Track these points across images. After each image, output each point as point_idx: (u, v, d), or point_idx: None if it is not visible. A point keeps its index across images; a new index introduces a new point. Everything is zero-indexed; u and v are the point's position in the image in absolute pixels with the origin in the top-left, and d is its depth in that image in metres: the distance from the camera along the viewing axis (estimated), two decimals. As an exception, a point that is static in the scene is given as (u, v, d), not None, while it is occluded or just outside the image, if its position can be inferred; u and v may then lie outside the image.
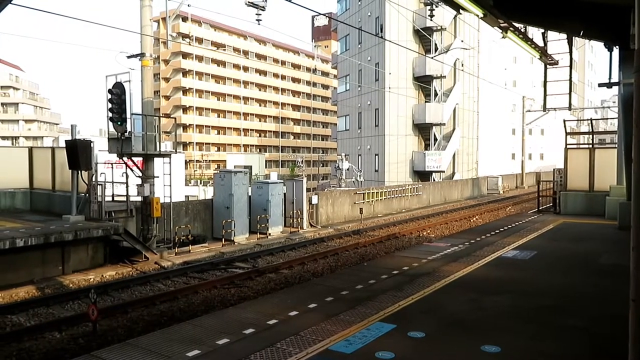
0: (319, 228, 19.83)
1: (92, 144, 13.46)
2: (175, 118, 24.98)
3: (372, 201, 24.66)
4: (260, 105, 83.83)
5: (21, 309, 9.28)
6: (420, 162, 38.11)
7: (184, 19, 68.41)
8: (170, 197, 15.34)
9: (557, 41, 16.08)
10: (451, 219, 22.82)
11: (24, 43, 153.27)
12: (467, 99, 41.47)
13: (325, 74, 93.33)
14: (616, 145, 16.94)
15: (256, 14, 12.80)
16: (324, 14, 27.71)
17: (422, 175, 38.56)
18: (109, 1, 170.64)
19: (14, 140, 77.03)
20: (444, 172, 38.93)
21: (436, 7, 18.25)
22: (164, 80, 72.49)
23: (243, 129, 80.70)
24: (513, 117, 52.18)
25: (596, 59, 76.68)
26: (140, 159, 15.18)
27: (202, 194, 35.52)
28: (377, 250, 15.43)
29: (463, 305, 6.82)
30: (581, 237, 12.66)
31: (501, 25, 10.63)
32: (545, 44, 14.75)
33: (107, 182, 14.11)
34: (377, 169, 39.23)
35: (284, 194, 19.11)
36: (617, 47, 10.96)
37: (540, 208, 21.07)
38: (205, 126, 75.42)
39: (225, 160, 54.88)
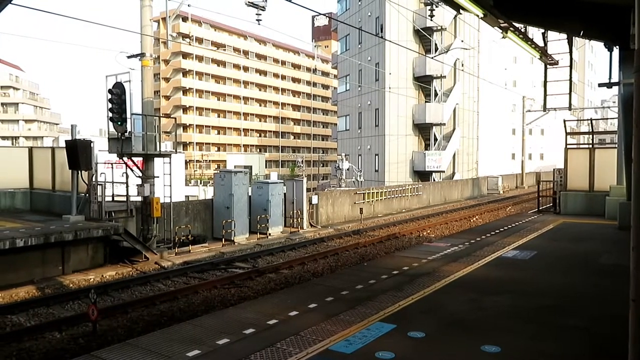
0: (319, 228, 19.83)
1: (92, 144, 13.46)
2: (175, 118, 24.99)
3: (372, 201, 24.66)
4: (260, 105, 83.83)
5: (21, 309, 9.28)
6: (421, 162, 38.12)
7: (184, 19, 68.41)
8: (171, 197, 15.34)
9: (557, 41, 16.08)
10: (451, 219, 22.81)
11: (24, 43, 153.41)
12: (467, 99, 41.47)
13: (325, 74, 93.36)
14: (616, 145, 16.94)
15: (256, 14, 12.81)
16: (324, 14, 27.70)
17: (422, 175, 38.56)
18: (109, 1, 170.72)
19: (14, 140, 77.04)
20: (444, 172, 38.93)
21: (436, 7, 18.24)
22: (164, 80, 72.50)
23: (243, 129, 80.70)
24: (513, 117, 52.18)
25: (596, 59, 76.68)
26: (140, 159, 15.18)
27: (202, 194, 35.53)
28: (377, 250, 15.43)
29: (463, 305, 6.82)
30: (581, 237, 12.66)
31: (501, 25, 10.64)
32: (546, 44, 14.75)
33: (107, 182, 14.10)
34: (377, 169, 39.23)
35: (284, 194, 19.11)
36: (617, 47, 10.97)
37: (540, 208, 21.07)
38: (206, 126, 75.42)
39: (225, 160, 54.89)
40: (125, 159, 14.44)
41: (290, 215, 19.25)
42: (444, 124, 38.87)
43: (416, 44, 38.84)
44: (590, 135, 18.56)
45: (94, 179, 13.49)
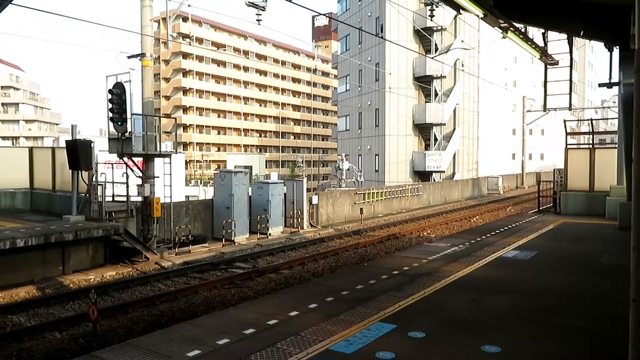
0: (319, 228, 19.83)
1: (92, 144, 13.46)
2: (175, 118, 25.01)
3: (373, 201, 24.65)
4: (260, 106, 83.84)
5: (21, 309, 9.28)
6: (421, 162, 38.12)
7: (184, 19, 68.42)
8: (171, 197, 15.34)
9: (557, 41, 16.08)
10: (451, 219, 22.81)
11: (24, 43, 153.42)
12: (467, 99, 41.47)
13: (325, 74, 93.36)
14: (616, 146, 16.94)
15: (256, 14, 12.81)
16: (324, 14, 27.70)
17: (422, 175, 38.56)
18: (109, 1, 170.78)
19: (15, 140, 77.04)
20: (444, 172, 38.93)
21: (436, 7, 18.22)
22: (164, 81, 72.52)
23: (243, 129, 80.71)
24: (513, 117, 52.16)
25: (596, 59, 76.66)
26: (141, 159, 15.18)
27: (203, 194, 35.55)
28: (378, 251, 15.43)
29: (463, 305, 6.82)
30: (581, 237, 12.66)
31: (501, 25, 10.64)
32: (546, 44, 14.75)
33: (108, 182, 14.10)
34: (377, 169, 39.23)
35: (284, 194, 19.11)
36: (618, 47, 10.97)
37: (541, 208, 21.08)
38: (206, 126, 75.44)
39: (225, 161, 54.90)
40: (125, 159, 14.44)
41: (290, 216, 19.25)
42: (444, 124, 38.87)
43: (416, 44, 38.85)
44: (591, 136, 18.57)
45: (94, 179, 13.49)
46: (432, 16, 18.44)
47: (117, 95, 13.71)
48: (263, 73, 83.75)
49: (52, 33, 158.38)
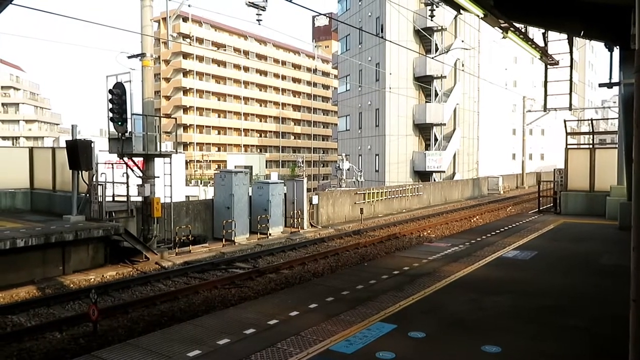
0: (319, 228, 19.83)
1: (92, 144, 13.46)
2: (175, 118, 25.05)
3: (373, 201, 24.65)
4: (260, 106, 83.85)
5: (22, 309, 9.28)
6: (421, 162, 38.11)
7: (185, 19, 68.42)
8: (171, 197, 15.34)
9: (557, 41, 16.07)
10: (452, 219, 22.81)
11: (24, 43, 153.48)
12: (467, 99, 41.46)
13: (325, 74, 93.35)
14: (617, 146, 16.94)
15: (257, 14, 12.80)
16: (324, 14, 27.73)
17: (422, 175, 38.55)
18: (109, 1, 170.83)
19: (15, 140, 77.07)
20: (444, 172, 38.93)
21: (437, 7, 18.21)
22: (164, 81, 72.53)
23: (243, 129, 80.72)
24: (513, 117, 52.14)
25: (597, 59, 76.64)
26: (141, 159, 15.18)
27: (203, 194, 35.53)
28: (378, 251, 15.43)
29: (464, 305, 6.82)
30: (582, 238, 12.66)
31: (502, 25, 10.63)
32: (546, 44, 14.75)
33: (108, 182, 14.10)
34: (377, 169, 39.23)
35: (285, 194, 19.12)
36: (618, 47, 10.97)
37: (541, 208, 21.08)
38: (206, 126, 75.45)
39: (225, 161, 54.90)
40: (125, 159, 14.44)
41: (290, 216, 19.25)
42: (445, 124, 38.87)
43: (416, 44, 38.84)
44: (591, 136, 18.57)
45: (94, 179, 13.49)
46: (432, 16, 18.42)
47: (118, 95, 13.71)
48: (263, 73, 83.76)
49: (52, 33, 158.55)
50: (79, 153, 12.97)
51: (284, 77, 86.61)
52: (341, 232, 19.16)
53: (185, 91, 72.63)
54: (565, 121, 20.06)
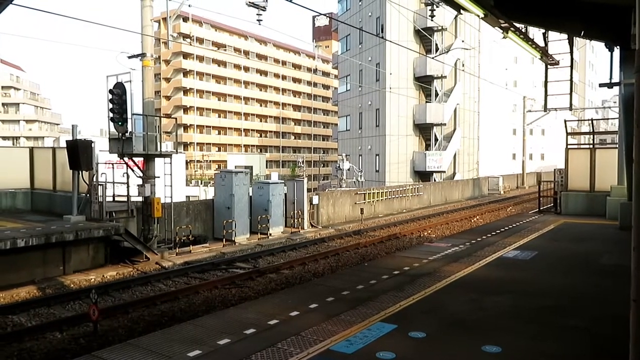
0: (319, 228, 19.84)
1: (92, 144, 13.46)
2: (176, 118, 25.06)
3: (373, 201, 24.65)
4: (261, 106, 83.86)
5: (22, 309, 9.29)
6: (421, 163, 38.10)
7: (185, 19, 68.41)
8: (171, 197, 15.34)
9: (557, 41, 16.06)
10: (452, 219, 22.81)
11: (24, 43, 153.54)
12: (467, 99, 41.46)
13: (326, 74, 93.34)
14: (617, 146, 16.94)
15: (257, 14, 12.80)
16: (324, 14, 27.76)
17: (422, 175, 38.54)
18: (109, 1, 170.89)
19: (15, 140, 77.10)
20: (444, 172, 38.92)
21: (437, 7, 18.20)
22: (164, 81, 72.54)
23: (244, 129, 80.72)
24: (514, 117, 52.13)
25: (597, 59, 76.63)
26: (141, 159, 15.19)
27: (203, 194, 35.51)
28: (378, 251, 15.43)
29: (464, 305, 6.82)
30: (582, 238, 12.66)
31: (502, 25, 10.63)
32: (546, 44, 14.74)
33: (108, 182, 14.10)
34: (377, 169, 39.23)
35: (285, 194, 19.12)
36: (618, 47, 10.96)
37: (541, 208, 21.07)
38: (206, 126, 75.46)
39: (226, 161, 54.91)
40: (126, 159, 14.44)
41: (291, 216, 19.25)
42: (445, 124, 38.86)
43: (417, 44, 38.84)
44: (591, 136, 18.56)
45: (94, 179, 13.50)
46: (432, 16, 18.40)
47: (118, 95, 13.71)
48: (263, 73, 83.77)
49: (52, 33, 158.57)
50: (80, 153, 12.97)
51: (284, 77, 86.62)
52: (341, 232, 19.16)
53: (186, 91, 72.64)
54: (565, 121, 20.04)
